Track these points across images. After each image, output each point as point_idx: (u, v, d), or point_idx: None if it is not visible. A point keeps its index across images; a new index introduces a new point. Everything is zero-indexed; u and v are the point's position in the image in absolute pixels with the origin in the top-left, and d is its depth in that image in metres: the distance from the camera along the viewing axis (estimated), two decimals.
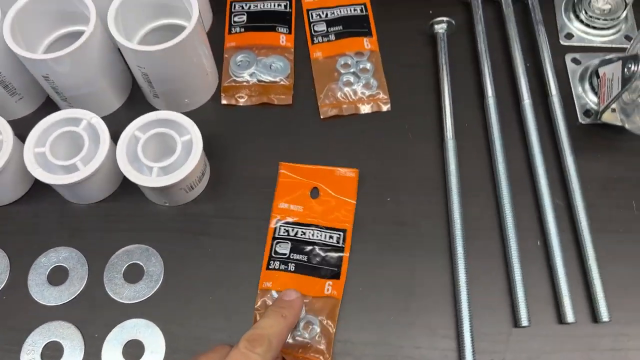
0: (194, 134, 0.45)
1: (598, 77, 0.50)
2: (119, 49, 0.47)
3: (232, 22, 0.55)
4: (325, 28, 0.55)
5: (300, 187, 0.48)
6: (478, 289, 0.44)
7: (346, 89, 0.52)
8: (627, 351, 0.42)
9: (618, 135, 0.50)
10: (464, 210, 0.46)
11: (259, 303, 0.44)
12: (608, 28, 0.55)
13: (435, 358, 0.42)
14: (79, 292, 0.45)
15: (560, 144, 0.49)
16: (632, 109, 0.46)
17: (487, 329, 0.43)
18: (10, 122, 0.46)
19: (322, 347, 0.42)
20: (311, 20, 0.56)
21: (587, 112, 0.52)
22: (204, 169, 0.47)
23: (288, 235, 0.46)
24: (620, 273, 0.44)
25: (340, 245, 0.46)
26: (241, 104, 0.52)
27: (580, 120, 0.51)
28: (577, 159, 0.48)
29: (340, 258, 0.45)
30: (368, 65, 0.53)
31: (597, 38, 0.55)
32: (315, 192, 0.48)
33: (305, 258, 0.45)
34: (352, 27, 0.55)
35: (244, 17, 0.56)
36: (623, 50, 0.53)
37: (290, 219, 0.47)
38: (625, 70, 0.45)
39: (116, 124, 0.46)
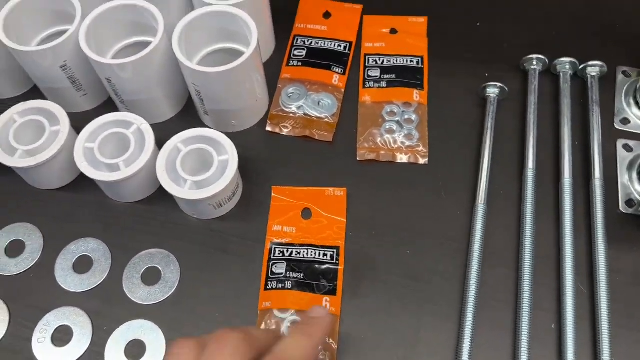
0: (232, 155, 0.47)
1: None
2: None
3: (292, 55, 0.58)
4: (379, 74, 0.56)
5: (292, 209, 0.50)
6: None
7: (387, 136, 0.53)
8: None
9: None
10: (481, 277, 0.46)
11: (262, 325, 0.45)
12: None
13: None
14: (98, 283, 0.48)
15: (594, 228, 0.47)
16: None
17: None
18: (71, 114, 0.50)
19: None
20: (367, 64, 0.57)
21: (629, 202, 0.50)
22: (235, 189, 0.49)
23: (283, 256, 0.47)
24: None
25: (334, 261, 0.47)
26: (284, 134, 0.54)
27: (621, 208, 0.49)
28: (609, 247, 0.46)
29: (336, 272, 0.46)
30: (413, 117, 0.54)
31: None
32: (306, 213, 0.49)
33: (301, 275, 0.46)
34: (405, 77, 0.56)
35: (304, 52, 0.58)
36: None
37: (283, 240, 0.48)
38: None
39: (165, 132, 0.49)
